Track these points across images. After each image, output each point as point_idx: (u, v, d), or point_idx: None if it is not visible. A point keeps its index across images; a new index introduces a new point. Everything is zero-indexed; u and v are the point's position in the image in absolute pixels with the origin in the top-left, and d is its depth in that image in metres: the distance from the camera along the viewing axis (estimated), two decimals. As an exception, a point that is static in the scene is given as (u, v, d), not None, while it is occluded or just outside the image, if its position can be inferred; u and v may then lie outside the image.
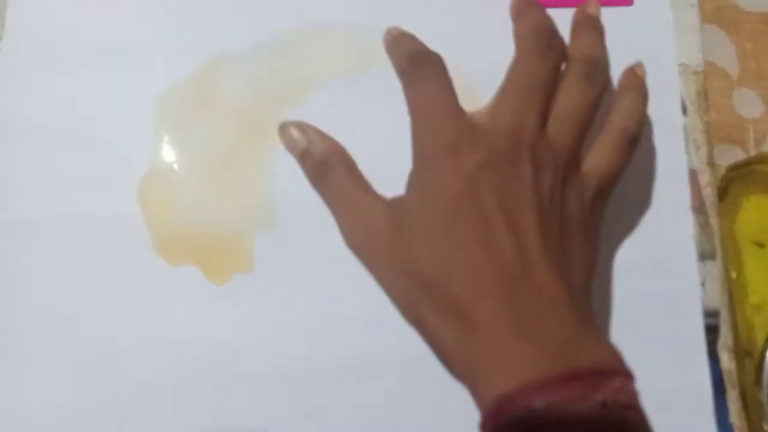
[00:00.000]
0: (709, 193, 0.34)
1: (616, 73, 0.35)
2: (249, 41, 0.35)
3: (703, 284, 0.33)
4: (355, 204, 0.30)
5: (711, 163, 0.34)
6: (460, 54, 0.33)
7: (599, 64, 0.30)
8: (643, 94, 0.31)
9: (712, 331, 0.32)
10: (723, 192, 0.34)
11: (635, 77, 0.32)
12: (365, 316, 0.31)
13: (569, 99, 0.29)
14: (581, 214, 0.28)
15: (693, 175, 0.34)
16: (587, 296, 0.28)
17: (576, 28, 0.32)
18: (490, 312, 0.25)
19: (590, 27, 0.32)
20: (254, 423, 0.30)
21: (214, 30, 0.35)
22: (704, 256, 0.33)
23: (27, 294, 0.32)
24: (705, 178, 0.34)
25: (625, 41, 0.35)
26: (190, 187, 0.33)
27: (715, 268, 0.33)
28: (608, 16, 0.35)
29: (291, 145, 0.32)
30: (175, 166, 0.34)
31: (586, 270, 0.28)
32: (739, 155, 0.35)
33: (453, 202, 0.27)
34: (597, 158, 0.29)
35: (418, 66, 0.30)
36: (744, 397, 0.32)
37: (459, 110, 0.29)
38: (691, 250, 0.33)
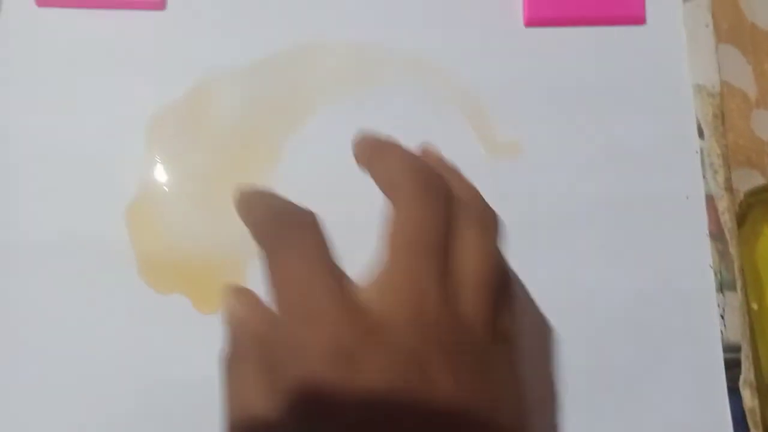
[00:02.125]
0: (727, 220, 0.32)
1: (629, 95, 0.34)
2: (244, 60, 0.33)
3: (722, 316, 0.31)
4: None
5: (729, 188, 0.33)
6: (466, 71, 0.32)
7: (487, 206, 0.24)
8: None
9: (732, 367, 0.30)
10: (742, 219, 0.33)
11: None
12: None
13: (474, 259, 0.22)
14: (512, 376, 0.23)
15: (710, 200, 0.33)
16: None
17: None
18: None
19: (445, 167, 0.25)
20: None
21: (209, 49, 0.34)
22: (723, 286, 0.31)
23: (8, 318, 0.31)
24: (723, 204, 0.33)
25: (638, 62, 0.34)
26: (181, 211, 0.32)
27: (735, 299, 0.31)
28: (620, 35, 0.34)
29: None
30: (166, 189, 0.32)
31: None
32: (758, 180, 0.34)
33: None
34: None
35: (284, 230, 0.22)
36: (768, 437, 0.30)
37: (344, 292, 0.21)
38: (709, 280, 0.31)
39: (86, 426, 0.30)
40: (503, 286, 0.23)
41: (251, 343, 0.21)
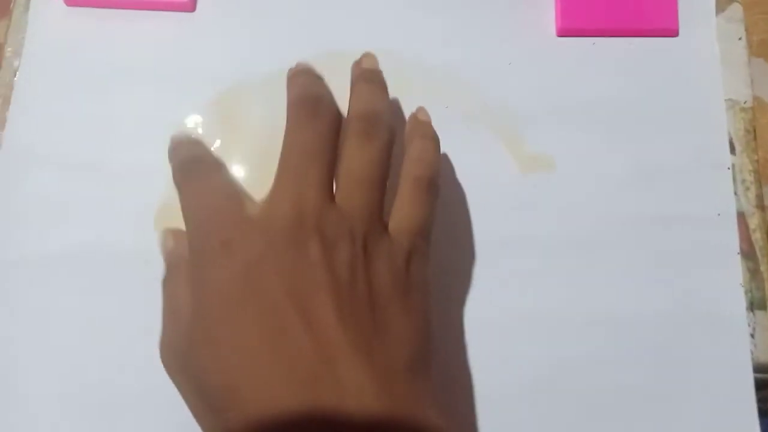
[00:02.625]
0: (758, 238, 0.32)
1: (660, 109, 0.33)
2: (270, 68, 0.33)
3: (752, 335, 0.31)
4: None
5: (761, 206, 0.32)
6: (497, 82, 0.32)
7: (377, 116, 0.27)
8: (429, 137, 0.29)
9: (763, 388, 0.30)
10: (772, 236, 0.32)
11: (417, 122, 0.30)
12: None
13: (351, 161, 0.26)
14: (395, 281, 0.25)
15: (741, 218, 0.32)
16: (417, 367, 0.24)
17: (352, 85, 0.29)
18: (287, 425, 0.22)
19: (366, 80, 0.29)
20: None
21: (234, 58, 0.33)
22: (754, 305, 0.31)
23: (36, 329, 0.30)
24: (755, 222, 0.32)
25: (671, 75, 0.34)
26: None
27: (765, 318, 0.31)
28: (654, 46, 0.34)
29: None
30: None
31: (412, 341, 0.24)
32: (789, 197, 0.33)
33: (232, 303, 0.23)
34: (399, 215, 0.27)
35: (189, 171, 0.27)
36: (797, 459, 0.29)
37: (230, 206, 0.26)
38: (740, 299, 0.31)
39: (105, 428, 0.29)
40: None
41: (177, 264, 0.26)
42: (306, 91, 0.27)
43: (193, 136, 0.31)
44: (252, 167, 0.32)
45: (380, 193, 0.26)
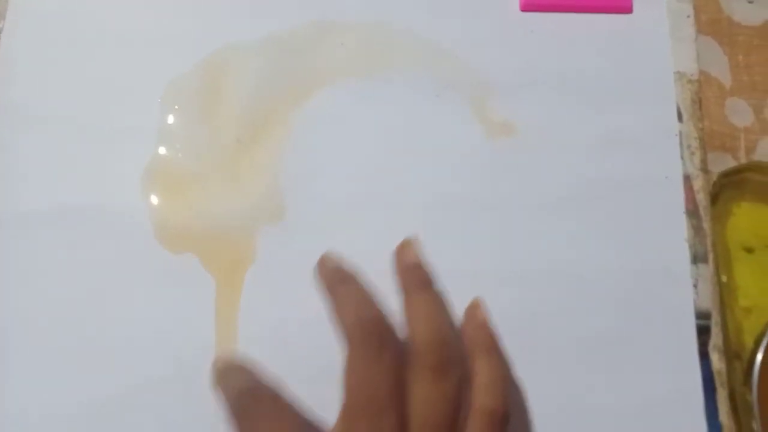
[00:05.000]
0: (702, 198, 0.35)
1: (615, 80, 0.36)
2: (260, 33, 0.35)
3: (695, 286, 0.34)
4: None
5: (704, 169, 0.35)
6: (468, 54, 0.34)
7: (447, 345, 0.25)
8: (492, 350, 0.26)
9: (703, 333, 0.33)
10: (714, 198, 0.35)
11: (478, 329, 0.27)
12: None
13: (426, 404, 0.24)
14: None
15: (687, 180, 0.35)
16: None
17: (405, 290, 0.26)
18: None
19: (421, 286, 0.26)
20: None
21: (225, 20, 0.35)
22: (697, 258, 0.34)
23: (26, 285, 0.32)
24: (699, 183, 0.35)
25: (625, 48, 0.36)
26: (195, 177, 0.33)
27: (707, 270, 0.34)
28: (608, 22, 0.37)
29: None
30: (180, 156, 0.33)
31: None
32: (730, 163, 0.36)
33: None
34: None
35: (248, 405, 0.25)
36: (733, 397, 0.32)
37: None
38: (684, 253, 0.34)
39: (107, 388, 0.31)
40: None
41: None
42: (366, 314, 0.25)
43: (238, 358, 0.27)
44: (236, 132, 0.34)
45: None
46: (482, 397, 0.25)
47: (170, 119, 0.34)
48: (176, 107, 0.34)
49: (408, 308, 0.26)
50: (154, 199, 0.32)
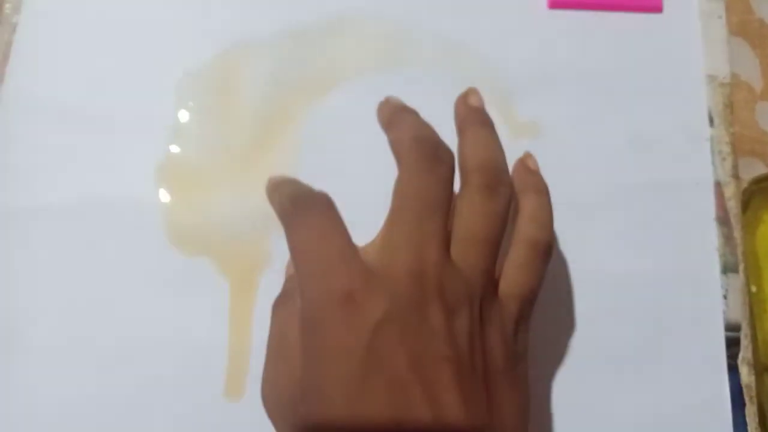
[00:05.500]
0: (733, 206, 0.34)
1: (644, 81, 0.35)
2: (274, 29, 0.34)
3: (725, 297, 0.33)
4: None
5: (736, 176, 0.34)
6: (491, 52, 0.33)
7: (498, 170, 0.26)
8: (542, 191, 0.28)
9: (732, 345, 0.32)
10: (744, 205, 0.34)
11: (529, 173, 0.28)
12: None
13: (472, 218, 0.25)
14: (506, 354, 0.24)
15: (718, 186, 0.34)
16: None
17: (462, 126, 0.27)
18: None
19: (479, 122, 0.27)
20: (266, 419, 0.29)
21: (239, 15, 0.34)
22: (727, 268, 0.33)
23: (37, 280, 0.31)
24: (730, 190, 0.34)
25: (654, 48, 0.35)
26: (209, 177, 0.32)
27: (737, 281, 0.33)
28: (639, 22, 0.36)
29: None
30: (194, 154, 0.32)
31: (517, 417, 0.24)
32: (760, 169, 0.35)
33: (355, 372, 0.22)
34: (512, 279, 0.25)
35: (301, 208, 0.25)
36: (762, 411, 0.31)
37: (349, 251, 0.24)
38: (714, 263, 0.33)
39: (115, 387, 0.30)
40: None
41: (293, 294, 0.24)
42: (422, 133, 0.26)
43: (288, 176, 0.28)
44: (250, 130, 0.33)
45: (497, 254, 0.25)
46: (526, 226, 0.26)
47: (183, 116, 0.33)
48: (190, 104, 0.33)
49: (463, 139, 0.27)
50: (167, 197, 0.32)
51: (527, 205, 0.27)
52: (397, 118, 0.27)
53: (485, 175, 0.25)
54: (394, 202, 0.25)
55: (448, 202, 0.25)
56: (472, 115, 0.28)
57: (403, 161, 0.25)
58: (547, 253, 0.26)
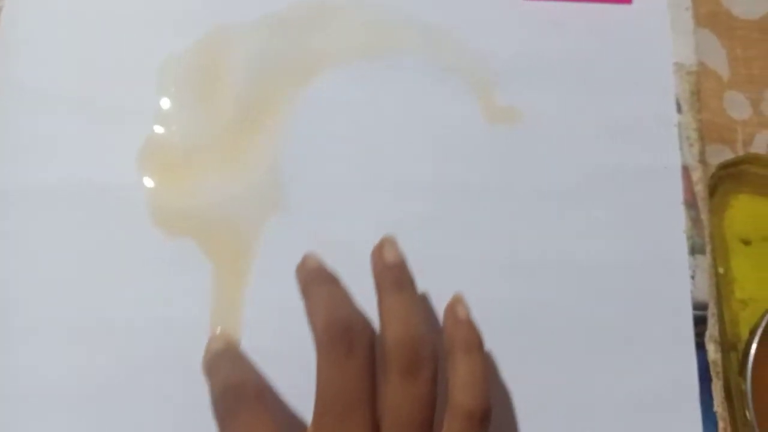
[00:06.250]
0: (700, 189, 0.35)
1: (615, 70, 0.36)
2: (256, 15, 0.34)
3: (692, 277, 0.34)
4: None
5: (703, 161, 0.35)
6: (472, 40, 0.34)
7: (419, 344, 0.24)
8: (473, 348, 0.26)
9: (699, 323, 0.33)
10: (712, 190, 0.35)
11: (458, 325, 0.27)
12: (370, 299, 0.31)
13: (397, 403, 0.24)
14: None
15: (686, 171, 0.35)
16: None
17: (379, 288, 0.26)
18: None
19: (395, 286, 0.26)
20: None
21: (220, 2, 0.34)
22: (695, 250, 0.34)
23: (21, 262, 0.31)
24: (697, 175, 0.35)
25: (625, 38, 0.36)
26: (192, 160, 0.33)
27: (704, 262, 0.34)
28: (611, 12, 0.37)
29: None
30: (177, 138, 0.33)
31: None
32: (728, 155, 0.36)
33: None
34: None
35: (231, 401, 0.25)
36: (728, 387, 0.32)
37: None
38: (682, 244, 0.34)
39: (101, 368, 0.30)
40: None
41: None
42: (334, 316, 0.24)
43: (229, 344, 0.28)
44: (232, 115, 0.33)
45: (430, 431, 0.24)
46: (460, 395, 0.25)
47: (166, 100, 0.33)
48: (173, 88, 0.33)
49: (381, 309, 0.26)
50: (150, 182, 0.32)
51: (459, 369, 0.25)
52: (311, 291, 0.26)
53: (405, 356, 0.24)
54: (316, 405, 0.24)
55: (369, 391, 0.24)
56: (389, 277, 0.26)
57: (318, 347, 0.24)
58: (484, 420, 0.25)
